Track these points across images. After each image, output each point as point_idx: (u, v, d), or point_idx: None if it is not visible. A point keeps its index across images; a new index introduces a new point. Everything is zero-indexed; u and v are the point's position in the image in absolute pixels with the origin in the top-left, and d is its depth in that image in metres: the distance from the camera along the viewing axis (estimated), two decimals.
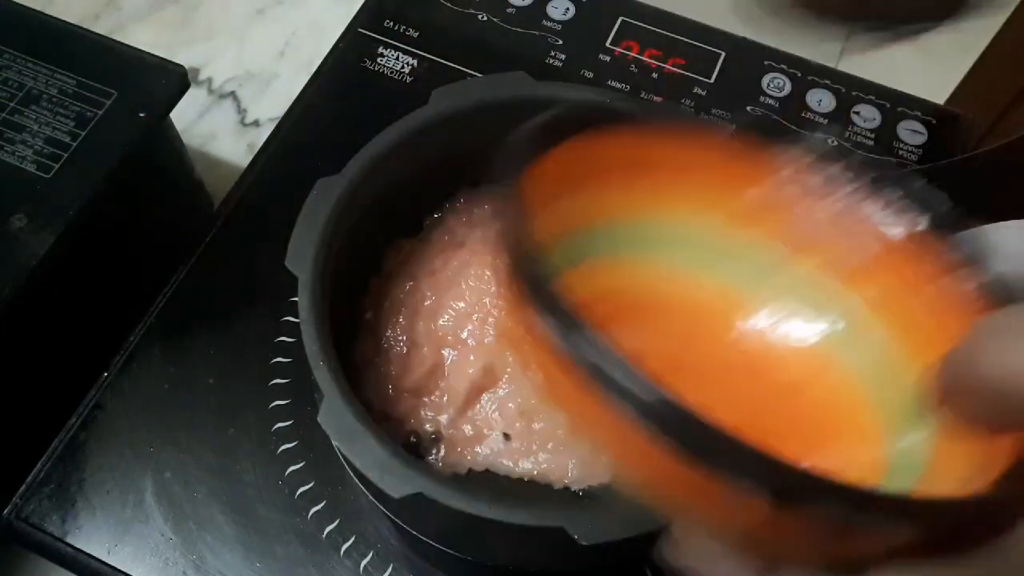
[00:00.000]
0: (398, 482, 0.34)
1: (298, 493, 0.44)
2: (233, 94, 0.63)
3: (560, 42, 0.59)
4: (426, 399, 0.45)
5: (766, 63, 0.59)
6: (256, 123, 0.62)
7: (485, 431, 0.44)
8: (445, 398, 0.44)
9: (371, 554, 0.43)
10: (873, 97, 0.58)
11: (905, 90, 0.58)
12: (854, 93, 0.58)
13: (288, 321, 0.48)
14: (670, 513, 0.25)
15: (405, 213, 0.47)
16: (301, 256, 0.39)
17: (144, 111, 0.47)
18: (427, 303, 0.46)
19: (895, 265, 0.28)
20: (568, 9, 0.60)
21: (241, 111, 0.62)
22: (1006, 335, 0.21)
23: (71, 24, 0.51)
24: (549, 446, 0.43)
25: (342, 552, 0.43)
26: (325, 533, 0.43)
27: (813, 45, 0.61)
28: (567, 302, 0.21)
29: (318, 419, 0.35)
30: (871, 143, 0.56)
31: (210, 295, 0.50)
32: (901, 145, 0.56)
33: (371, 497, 0.41)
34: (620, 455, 0.23)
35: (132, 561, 0.43)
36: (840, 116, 0.57)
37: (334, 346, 0.38)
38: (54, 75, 0.48)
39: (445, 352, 0.45)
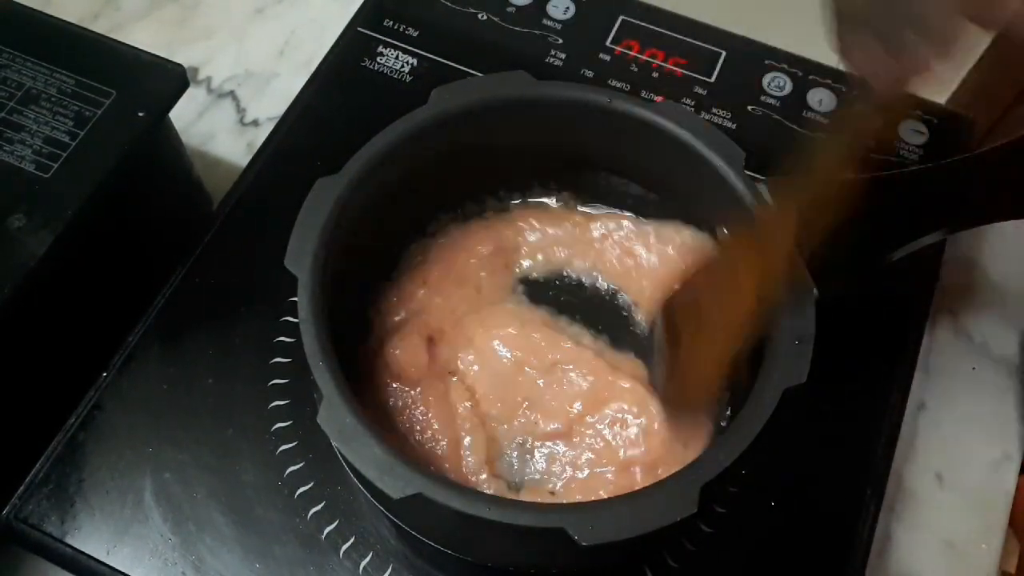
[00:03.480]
0: (398, 483, 0.34)
1: (297, 493, 0.44)
2: (232, 93, 0.63)
3: (560, 41, 0.59)
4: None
5: (767, 62, 0.59)
6: (255, 122, 0.61)
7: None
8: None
9: (371, 555, 0.43)
10: None
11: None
12: (855, 92, 0.57)
13: (287, 321, 0.48)
14: None
15: (405, 213, 0.47)
16: (300, 256, 0.39)
17: (143, 110, 0.47)
18: (424, 308, 0.46)
19: None
20: (568, 8, 0.60)
21: (240, 110, 0.62)
22: None
23: (70, 23, 0.51)
24: (556, 466, 0.43)
25: (341, 553, 0.43)
26: (324, 534, 0.43)
27: (814, 44, 0.61)
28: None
29: (317, 419, 0.35)
30: (872, 142, 0.55)
31: (209, 295, 0.50)
32: (902, 145, 0.56)
33: (371, 497, 0.41)
34: None
35: (131, 562, 0.43)
36: None
37: (335, 347, 0.38)
38: (53, 74, 0.48)
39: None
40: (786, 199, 0.39)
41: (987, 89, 0.68)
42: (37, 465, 0.45)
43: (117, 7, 0.67)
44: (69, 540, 0.43)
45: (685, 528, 0.44)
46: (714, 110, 0.56)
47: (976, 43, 0.71)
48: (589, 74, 0.58)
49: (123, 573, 0.43)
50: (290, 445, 0.45)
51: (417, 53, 0.59)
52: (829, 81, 0.58)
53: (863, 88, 0.34)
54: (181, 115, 0.57)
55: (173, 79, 0.49)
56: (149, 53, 0.49)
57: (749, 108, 0.57)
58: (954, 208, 0.42)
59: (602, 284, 0.49)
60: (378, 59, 0.59)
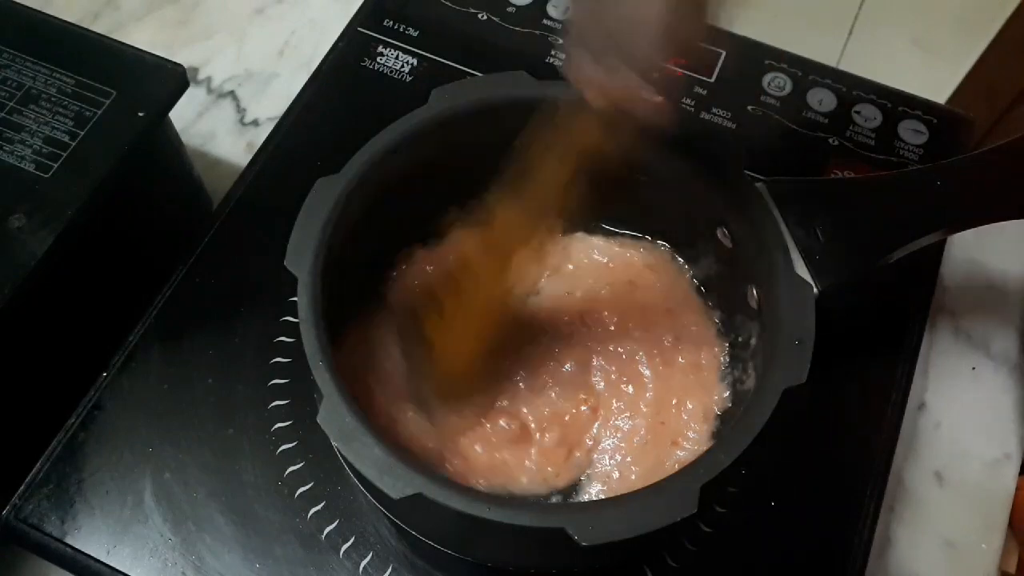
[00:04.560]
0: (398, 482, 0.34)
1: (297, 493, 0.44)
2: (232, 93, 0.63)
3: (560, 41, 0.59)
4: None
5: (767, 62, 0.59)
6: (255, 122, 0.61)
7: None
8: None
9: (370, 555, 0.43)
10: (874, 96, 0.58)
11: (906, 90, 0.58)
12: (855, 92, 0.58)
13: (288, 321, 0.48)
14: None
15: (406, 213, 0.47)
16: (300, 256, 0.39)
17: (143, 110, 0.47)
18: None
19: None
20: (568, 8, 0.60)
21: (240, 110, 0.62)
22: None
23: (70, 24, 0.51)
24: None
25: (341, 553, 0.43)
26: (324, 534, 0.43)
27: (814, 44, 0.61)
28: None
29: (317, 419, 0.35)
30: (872, 142, 0.55)
31: (209, 295, 0.50)
32: (902, 145, 0.56)
33: (371, 497, 0.41)
34: None
35: (131, 561, 0.43)
36: (841, 115, 0.57)
37: (334, 346, 0.38)
38: (53, 74, 0.48)
39: None
40: (513, 199, 0.41)
41: (987, 89, 0.68)
42: (37, 465, 0.45)
43: (117, 7, 0.67)
44: (69, 540, 0.43)
45: (685, 528, 0.44)
46: (714, 110, 0.56)
47: (976, 43, 0.71)
48: None
49: (123, 573, 0.43)
50: (290, 445, 0.45)
51: (417, 53, 0.59)
52: (829, 81, 0.58)
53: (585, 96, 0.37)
54: (181, 115, 0.57)
55: (173, 79, 0.49)
56: (149, 53, 0.49)
57: (749, 108, 0.57)
58: (954, 208, 0.42)
59: None
60: (378, 59, 0.59)
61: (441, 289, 0.44)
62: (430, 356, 0.44)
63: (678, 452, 0.43)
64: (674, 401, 0.44)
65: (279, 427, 0.46)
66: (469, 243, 0.46)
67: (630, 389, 0.45)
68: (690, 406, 0.44)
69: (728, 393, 0.45)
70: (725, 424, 0.43)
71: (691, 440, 0.43)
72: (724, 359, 0.46)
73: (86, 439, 0.45)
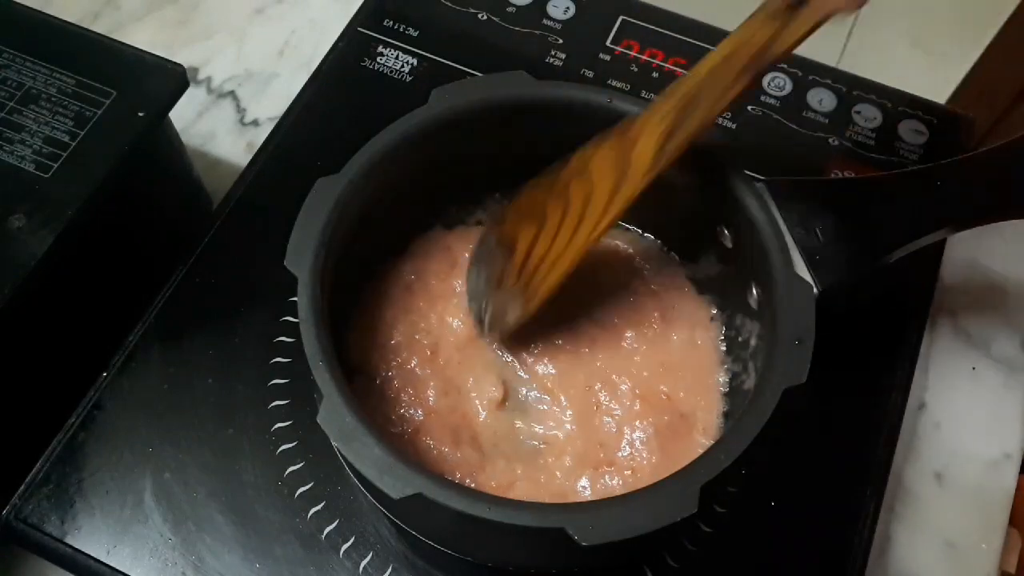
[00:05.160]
0: (398, 483, 0.34)
1: (297, 493, 0.44)
2: (232, 93, 0.63)
3: (560, 41, 0.59)
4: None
5: None
6: (255, 122, 0.61)
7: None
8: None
9: (370, 555, 0.43)
10: (874, 96, 0.58)
11: (906, 90, 0.58)
12: (855, 92, 0.58)
13: (288, 321, 0.48)
14: None
15: (406, 213, 0.47)
16: (300, 256, 0.39)
17: (143, 110, 0.47)
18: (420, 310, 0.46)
19: None
20: (568, 8, 0.60)
21: (240, 110, 0.62)
22: None
23: (70, 23, 0.51)
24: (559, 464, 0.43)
25: (341, 553, 0.43)
26: (324, 534, 0.43)
27: (814, 44, 0.61)
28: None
29: (317, 419, 0.35)
30: (872, 142, 0.55)
31: (209, 295, 0.50)
32: (902, 145, 0.56)
33: (371, 497, 0.41)
34: None
35: (131, 561, 0.43)
36: (841, 116, 0.57)
37: (334, 346, 0.38)
38: (53, 74, 0.48)
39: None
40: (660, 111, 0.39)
41: (987, 89, 0.68)
42: (37, 465, 0.45)
43: (117, 7, 0.67)
44: (69, 540, 0.43)
45: (685, 528, 0.44)
46: None
47: (976, 43, 0.71)
48: (589, 74, 0.58)
49: (123, 573, 0.43)
50: (290, 445, 0.45)
51: (417, 53, 0.59)
52: (830, 81, 0.58)
53: None
54: (181, 115, 0.57)
55: (173, 79, 0.49)
56: (149, 53, 0.49)
57: (749, 108, 0.57)
58: (954, 208, 0.42)
59: None
60: (378, 59, 0.59)
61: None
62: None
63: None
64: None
65: (279, 427, 0.46)
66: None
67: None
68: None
69: (728, 391, 0.45)
70: (726, 423, 0.43)
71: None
72: (721, 342, 0.46)
73: (86, 439, 0.45)
